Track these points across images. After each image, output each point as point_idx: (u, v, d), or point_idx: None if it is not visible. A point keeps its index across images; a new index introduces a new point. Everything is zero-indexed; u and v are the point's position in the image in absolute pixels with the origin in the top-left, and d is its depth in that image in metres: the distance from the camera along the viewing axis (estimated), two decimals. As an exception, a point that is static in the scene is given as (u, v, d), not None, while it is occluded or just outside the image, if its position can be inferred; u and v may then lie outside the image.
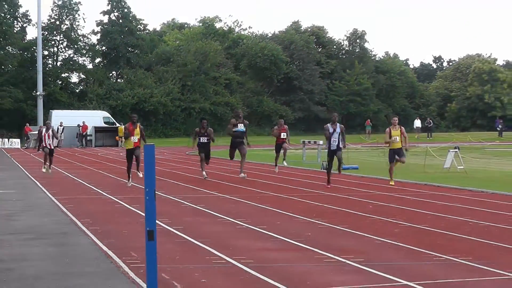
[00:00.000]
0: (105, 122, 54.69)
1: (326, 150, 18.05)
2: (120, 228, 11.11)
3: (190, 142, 19.89)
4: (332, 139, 17.34)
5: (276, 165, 22.14)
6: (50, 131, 22.48)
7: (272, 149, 24.10)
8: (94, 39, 78.37)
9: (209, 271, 7.73)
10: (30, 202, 15.48)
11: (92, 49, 77.37)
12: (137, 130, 18.97)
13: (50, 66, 70.66)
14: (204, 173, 19.30)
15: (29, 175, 23.06)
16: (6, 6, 69.74)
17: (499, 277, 7.14)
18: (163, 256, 6.43)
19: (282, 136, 21.73)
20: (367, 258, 8.11)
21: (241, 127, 19.19)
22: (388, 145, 18.43)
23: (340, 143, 17.52)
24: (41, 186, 18.80)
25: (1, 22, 69.23)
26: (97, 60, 79.40)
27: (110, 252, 8.82)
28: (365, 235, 10.15)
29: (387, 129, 18.50)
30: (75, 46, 75.26)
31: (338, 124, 17.79)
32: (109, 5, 77.19)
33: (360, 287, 6.75)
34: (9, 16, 70.96)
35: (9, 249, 8.71)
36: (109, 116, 56.59)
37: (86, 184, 19.69)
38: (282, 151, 21.93)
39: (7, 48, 70.12)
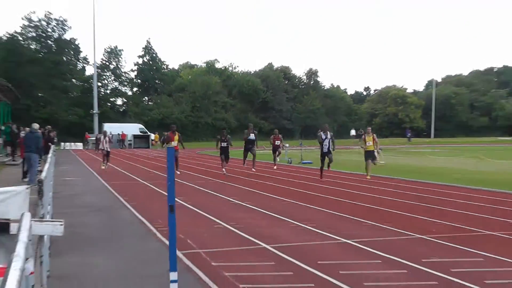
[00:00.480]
0: (140, 131, 54.24)
1: (319, 152, 16.88)
2: (151, 204, 11.04)
3: (214, 145, 19.40)
4: (324, 144, 16.43)
5: (275, 163, 21.46)
6: (107, 138, 21.73)
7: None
8: (132, 74, 78.40)
9: (211, 232, 7.76)
10: (89, 186, 15.27)
11: (131, 81, 77.92)
12: (176, 137, 18.24)
13: (102, 93, 70.67)
14: (224, 170, 18.17)
15: (88, 168, 22.80)
16: (72, 52, 70.09)
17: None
18: (180, 223, 6.33)
19: (276, 143, 21.35)
20: (317, 224, 8.21)
21: (252, 136, 18.81)
22: (364, 148, 17.04)
23: (330, 146, 16.45)
24: (96, 175, 18.54)
25: (69, 63, 70.12)
26: (135, 89, 79.22)
27: (144, 220, 8.82)
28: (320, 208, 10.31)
29: (363, 136, 17.53)
30: (119, 79, 75.85)
31: (328, 132, 16.84)
32: (143, 51, 77.48)
33: (310, 244, 6.83)
34: (73, 58, 71.22)
35: (75, 218, 8.67)
36: (143, 127, 56.29)
37: (127, 174, 19.38)
38: (276, 153, 21.62)
39: (72, 80, 70.71)
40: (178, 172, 17.69)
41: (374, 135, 17.33)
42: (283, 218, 8.89)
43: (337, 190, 13.61)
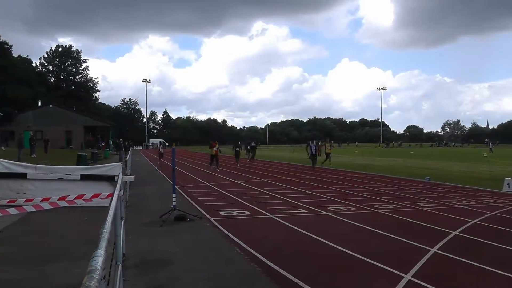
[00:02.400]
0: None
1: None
2: (196, 188, 20.16)
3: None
4: (312, 149, 26.55)
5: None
6: (161, 145, 34.92)
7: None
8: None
9: (210, 195, 17.11)
10: (145, 162, 25.96)
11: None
12: (216, 145, 25.20)
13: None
14: (238, 165, 28.89)
15: (151, 163, 33.21)
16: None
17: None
18: (195, 191, 16.52)
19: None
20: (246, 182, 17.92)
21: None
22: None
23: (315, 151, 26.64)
24: (156, 168, 28.29)
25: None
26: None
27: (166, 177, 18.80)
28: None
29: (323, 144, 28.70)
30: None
31: (315, 141, 27.95)
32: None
33: (228, 183, 16.56)
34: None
35: (138, 173, 18.88)
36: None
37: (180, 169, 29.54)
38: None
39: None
40: (218, 170, 24.61)
41: (332, 142, 28.09)
42: (257, 188, 18.61)
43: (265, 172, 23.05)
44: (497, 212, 11.27)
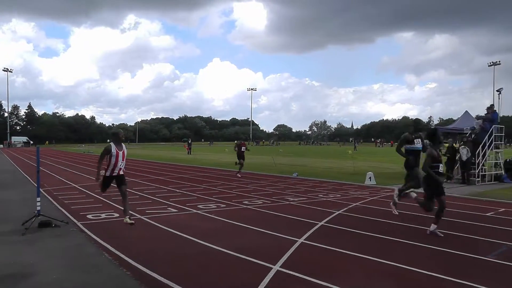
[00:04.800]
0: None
1: None
2: (63, 190, 19.46)
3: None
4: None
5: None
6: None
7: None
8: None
9: (77, 197, 16.06)
10: (12, 180, 23.59)
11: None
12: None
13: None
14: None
15: (13, 163, 30.60)
16: None
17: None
18: (61, 194, 15.32)
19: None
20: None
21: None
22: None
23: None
24: (19, 169, 26.56)
25: None
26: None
27: (31, 180, 17.42)
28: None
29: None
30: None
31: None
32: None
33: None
34: None
35: None
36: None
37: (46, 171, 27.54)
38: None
39: None
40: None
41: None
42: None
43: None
44: (359, 202, 12.34)
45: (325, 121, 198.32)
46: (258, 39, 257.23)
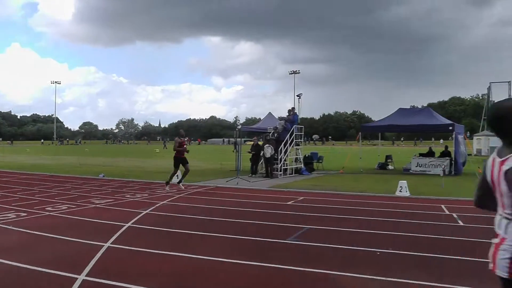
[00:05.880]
0: None
1: None
2: None
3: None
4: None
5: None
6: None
7: None
8: None
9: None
10: None
11: None
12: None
13: None
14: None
15: None
16: None
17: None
18: None
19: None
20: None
21: None
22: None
23: None
24: None
25: None
26: None
27: None
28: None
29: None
30: None
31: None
32: None
33: None
34: None
35: None
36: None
37: None
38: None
39: None
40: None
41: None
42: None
43: None
44: (166, 201, 12.39)
45: (132, 119, 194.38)
46: (63, 28, 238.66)
